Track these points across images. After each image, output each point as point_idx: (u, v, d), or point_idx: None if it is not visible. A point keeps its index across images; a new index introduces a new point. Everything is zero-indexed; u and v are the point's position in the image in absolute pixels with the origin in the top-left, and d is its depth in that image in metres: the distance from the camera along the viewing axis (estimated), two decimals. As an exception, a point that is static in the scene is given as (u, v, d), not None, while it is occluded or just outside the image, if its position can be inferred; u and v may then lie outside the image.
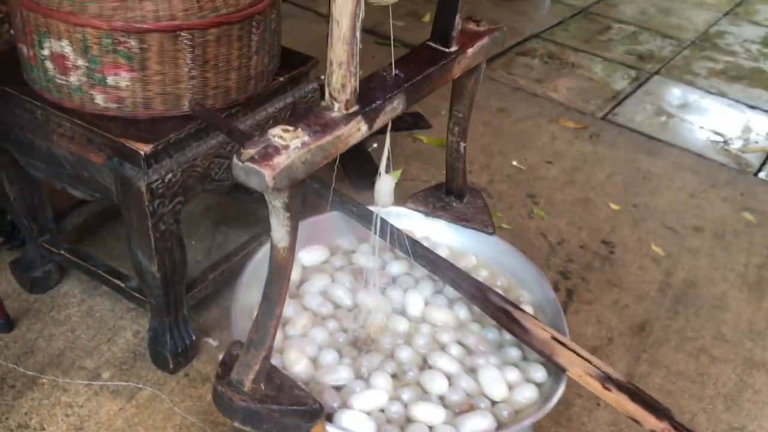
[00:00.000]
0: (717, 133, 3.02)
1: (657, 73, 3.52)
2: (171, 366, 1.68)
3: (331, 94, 0.93)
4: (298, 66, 1.70)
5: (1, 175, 1.69)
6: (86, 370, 1.70)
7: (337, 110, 0.94)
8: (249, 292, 1.27)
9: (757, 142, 2.99)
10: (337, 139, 0.92)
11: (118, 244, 2.08)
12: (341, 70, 0.89)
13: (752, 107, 3.28)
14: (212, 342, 1.79)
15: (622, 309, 2.03)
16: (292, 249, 0.90)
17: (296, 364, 1.15)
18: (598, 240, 2.29)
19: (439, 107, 2.78)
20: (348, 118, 0.94)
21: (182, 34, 1.35)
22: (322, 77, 1.81)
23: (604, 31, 3.95)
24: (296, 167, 0.86)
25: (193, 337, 1.72)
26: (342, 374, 1.17)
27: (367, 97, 0.98)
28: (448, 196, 1.44)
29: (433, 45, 1.16)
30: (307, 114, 0.94)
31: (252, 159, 0.83)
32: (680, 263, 2.24)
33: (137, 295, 1.69)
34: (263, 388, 1.00)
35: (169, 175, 1.42)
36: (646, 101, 3.22)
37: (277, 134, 0.86)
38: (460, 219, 1.43)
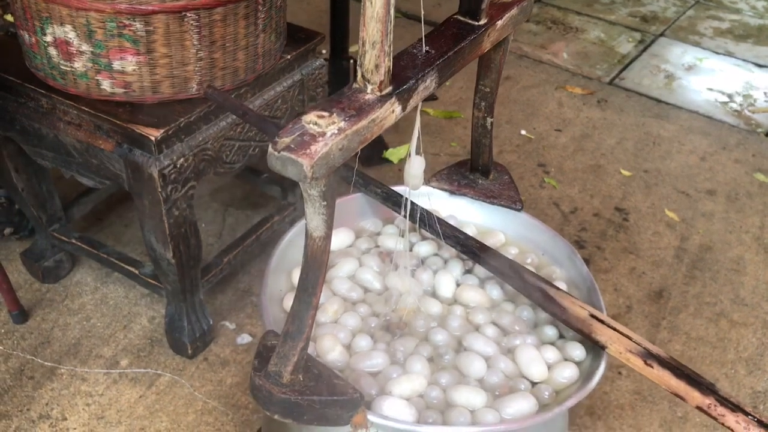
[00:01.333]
0: (725, 94, 2.98)
1: (662, 34, 3.47)
2: (189, 351, 1.67)
3: (364, 76, 0.90)
4: (304, 42, 1.66)
5: (8, 166, 1.66)
6: (104, 359, 1.69)
7: (371, 92, 0.90)
8: (277, 279, 1.25)
9: (766, 102, 2.95)
10: (373, 123, 0.89)
11: (127, 230, 2.06)
12: (374, 50, 0.86)
13: (760, 66, 3.23)
14: (229, 325, 1.78)
15: (639, 276, 2.02)
16: (328, 237, 0.88)
17: (330, 351, 1.13)
18: (611, 207, 2.27)
19: (444, 78, 2.73)
20: (382, 99, 0.90)
21: (188, 14, 1.31)
22: (324, 51, 1.76)
23: (607, -6, 3.88)
24: (333, 155, 0.83)
25: (210, 321, 1.71)
26: (377, 360, 1.15)
27: (399, 76, 0.94)
28: (473, 173, 1.40)
29: (461, 18, 1.12)
30: (339, 97, 0.90)
31: (288, 148, 0.80)
32: (695, 228, 2.22)
33: (152, 281, 1.67)
34: (302, 380, 0.98)
35: (181, 160, 1.40)
36: (652, 64, 3.18)
37: (312, 120, 0.83)
38: (487, 196, 1.40)
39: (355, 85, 0.91)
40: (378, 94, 0.90)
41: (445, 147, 2.49)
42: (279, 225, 1.90)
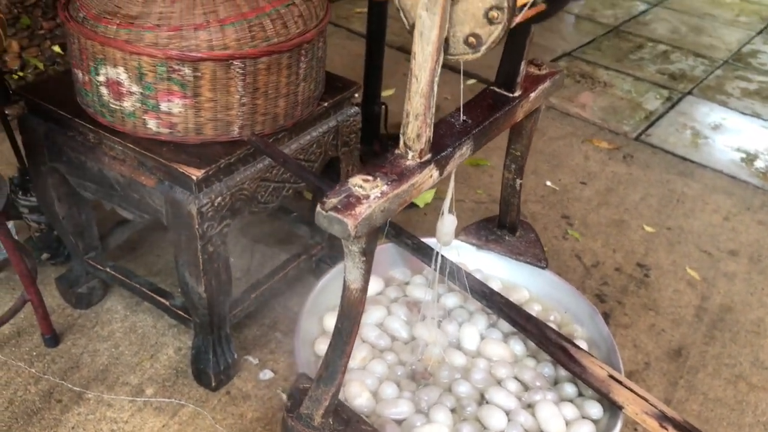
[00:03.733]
0: (751, 155, 3.00)
1: (690, 93, 3.51)
2: (213, 384, 1.71)
3: (406, 143, 0.96)
4: (341, 91, 1.73)
5: (51, 194, 1.73)
6: (130, 386, 1.73)
7: (411, 158, 0.97)
8: (310, 322, 1.30)
9: (792, 165, 2.97)
10: (412, 187, 0.94)
11: (158, 261, 2.13)
12: (417, 121, 0.92)
13: (787, 128, 3.26)
14: (252, 360, 1.82)
15: (659, 333, 2.03)
16: (364, 290, 0.93)
17: (357, 397, 1.17)
18: (633, 263, 2.29)
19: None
20: (422, 166, 0.96)
21: (234, 62, 1.39)
22: (357, 96, 1.83)
23: (636, 50, 3.95)
24: (375, 216, 0.89)
25: (235, 356, 1.75)
26: (403, 408, 1.18)
27: (438, 144, 1.01)
28: (500, 229, 1.45)
29: (497, 90, 1.18)
30: (382, 162, 0.96)
31: (335, 208, 0.86)
32: (716, 287, 2.23)
33: (181, 313, 1.73)
34: (332, 423, 1.02)
35: (219, 199, 1.46)
36: (679, 122, 3.22)
37: (358, 184, 0.89)
38: (513, 252, 1.44)
39: (397, 151, 0.97)
40: (418, 160, 0.96)
41: (471, 194, 2.54)
42: (306, 264, 1.95)
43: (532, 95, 1.21)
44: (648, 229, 2.46)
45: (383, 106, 2.58)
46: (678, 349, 1.99)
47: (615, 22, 4.30)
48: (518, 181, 1.38)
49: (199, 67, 1.37)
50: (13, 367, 1.75)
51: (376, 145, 2.53)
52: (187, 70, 1.37)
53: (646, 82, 3.57)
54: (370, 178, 0.90)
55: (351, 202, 0.87)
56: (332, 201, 0.86)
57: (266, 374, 1.78)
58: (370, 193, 0.88)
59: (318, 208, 0.87)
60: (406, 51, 3.56)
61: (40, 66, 3.09)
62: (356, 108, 1.80)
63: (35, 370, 1.74)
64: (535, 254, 1.42)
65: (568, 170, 2.74)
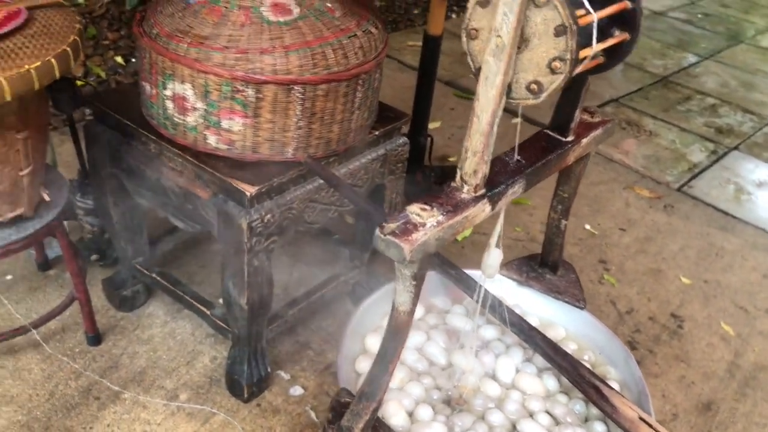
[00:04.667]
0: (795, 215, 2.98)
1: (736, 148, 3.51)
2: (245, 395, 1.76)
3: (462, 178, 1.02)
4: (392, 121, 1.79)
5: (108, 198, 1.81)
6: (165, 390, 1.78)
7: (467, 192, 1.02)
8: (353, 341, 1.34)
9: (836, 228, 2.94)
10: (465, 219, 0.99)
11: (200, 271, 2.19)
12: (475, 158, 0.97)
13: (833, 191, 3.22)
14: (284, 375, 1.86)
15: (689, 386, 2.02)
16: (412, 313, 0.98)
17: (394, 416, 1.21)
18: (667, 313, 2.29)
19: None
20: (476, 200, 1.01)
21: (295, 87, 1.45)
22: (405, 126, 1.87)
23: (684, 101, 3.95)
24: (430, 243, 0.94)
25: (268, 369, 1.79)
26: (437, 431, 1.22)
27: (492, 181, 1.06)
28: (542, 267, 1.49)
29: (550, 133, 1.24)
30: (439, 194, 1.01)
31: (393, 233, 0.91)
32: (750, 345, 2.22)
33: (220, 323, 1.78)
34: (370, 437, 1.06)
35: (268, 216, 1.51)
36: (723, 176, 3.21)
37: (416, 212, 0.94)
38: (552, 291, 1.48)
39: (453, 184, 1.02)
40: (473, 194, 1.01)
41: (509, 231, 2.56)
42: (343, 286, 2.00)
43: (584, 141, 1.25)
44: (684, 280, 2.46)
45: (429, 138, 2.63)
46: (707, 404, 1.98)
47: (664, 72, 4.31)
48: (563, 222, 1.42)
49: (261, 89, 1.44)
50: (56, 361, 1.81)
51: (419, 176, 2.58)
52: (250, 91, 1.44)
53: (692, 133, 3.58)
54: (427, 207, 0.95)
55: (408, 229, 0.92)
56: (391, 226, 0.91)
57: (296, 390, 1.82)
58: (427, 221, 0.93)
59: (377, 231, 0.92)
60: (454, 86, 3.62)
61: (102, 74, 3.22)
62: (405, 138, 1.85)
63: (77, 366, 1.81)
64: (575, 294, 1.45)
65: (608, 215, 2.75)
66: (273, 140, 1.51)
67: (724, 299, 2.40)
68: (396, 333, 0.98)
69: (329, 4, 1.55)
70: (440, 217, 0.96)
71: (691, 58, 4.62)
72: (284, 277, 2.20)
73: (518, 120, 1.14)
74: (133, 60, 3.35)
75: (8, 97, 1.32)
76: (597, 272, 2.43)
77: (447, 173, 2.88)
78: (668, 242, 2.66)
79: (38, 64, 1.37)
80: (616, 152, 3.25)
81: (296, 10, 1.50)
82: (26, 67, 1.35)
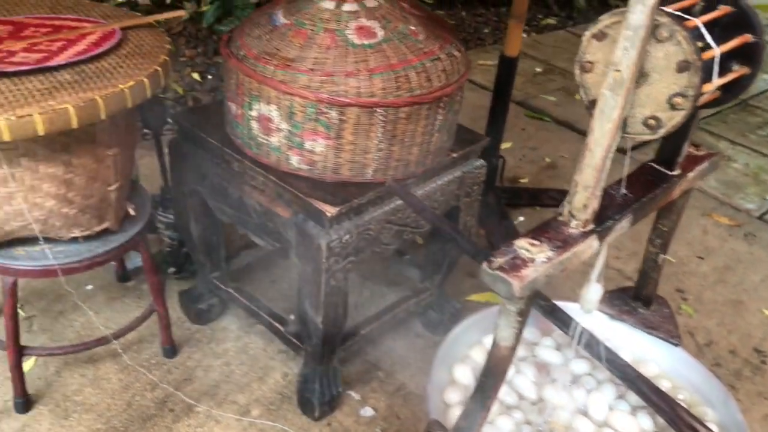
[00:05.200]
0: None
1: (820, 175, 3.36)
2: (317, 413, 1.76)
3: (571, 212, 1.00)
4: (470, 144, 1.78)
5: (189, 214, 1.85)
6: (237, 405, 1.80)
7: (575, 227, 1.00)
8: (442, 370, 1.33)
9: None
10: (574, 255, 0.98)
11: (272, 287, 2.21)
12: (586, 192, 0.95)
13: None
14: (355, 395, 1.86)
15: (773, 425, 1.94)
16: (513, 349, 0.96)
17: (485, 451, 1.19)
18: (749, 347, 2.20)
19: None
20: (585, 235, 1.00)
21: (378, 110, 1.46)
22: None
23: (765, 126, 3.82)
24: (539, 280, 0.93)
25: (339, 389, 1.80)
26: (529, 466, 1.19)
27: (600, 215, 1.05)
28: (635, 301, 1.46)
29: (656, 166, 1.21)
30: (546, 228, 1.00)
31: (501, 268, 0.90)
32: (839, 384, 2.11)
33: (293, 339, 1.79)
34: (462, 473, 1.04)
35: (347, 236, 1.52)
36: (807, 204, 3.08)
37: (524, 247, 0.93)
38: (646, 326, 1.44)
39: (560, 218, 1.01)
40: (582, 229, 1.00)
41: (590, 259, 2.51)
42: (414, 307, 1.99)
43: (690, 175, 1.23)
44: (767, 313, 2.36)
45: (501, 159, 2.61)
46: (793, 444, 1.89)
47: (744, 95, 4.17)
48: (661, 257, 1.39)
49: (345, 112, 1.45)
50: (133, 372, 1.86)
51: (491, 197, 2.55)
52: (333, 114, 1.45)
53: (774, 159, 3.45)
54: (536, 242, 0.94)
55: (517, 264, 0.91)
56: (499, 260, 0.90)
57: (367, 411, 1.82)
58: (536, 257, 0.92)
59: (484, 265, 0.91)
60: (525, 106, 3.59)
61: (180, 91, 3.31)
62: (482, 161, 1.84)
63: (153, 377, 1.84)
64: (669, 330, 1.41)
65: (685, 243, 2.67)
66: (354, 162, 1.52)
67: (809, 334, 2.29)
68: (495, 369, 0.97)
69: (413, 27, 1.56)
70: (550, 253, 0.94)
71: (772, 81, 4.46)
72: (354, 295, 2.20)
73: (627, 155, 1.12)
74: (209, 77, 3.44)
75: (103, 116, 1.37)
76: (674, 302, 2.35)
77: (519, 195, 2.85)
78: (749, 272, 2.56)
79: (132, 83, 1.42)
80: (692, 177, 3.15)
81: (381, 33, 1.51)
82: (120, 86, 1.40)
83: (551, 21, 4.98)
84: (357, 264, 1.57)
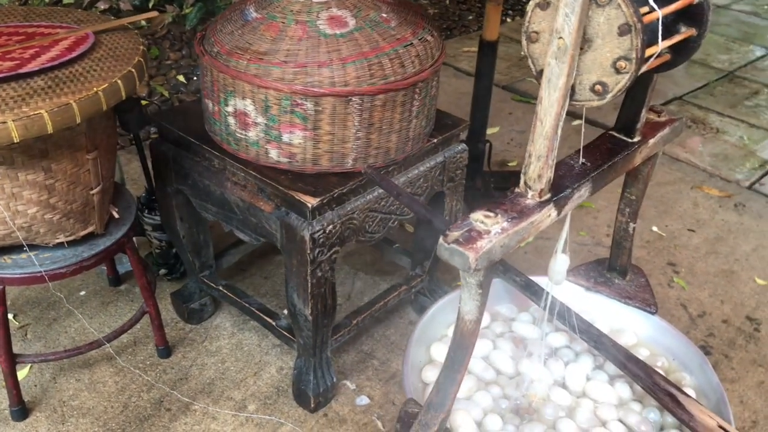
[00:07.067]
0: None
1: (810, 142, 3.36)
2: (312, 405, 1.77)
3: (526, 183, 1.00)
4: (450, 128, 1.78)
5: (174, 214, 1.86)
6: (234, 401, 1.81)
7: (531, 198, 1.00)
8: (418, 351, 1.34)
9: None
10: (531, 225, 0.98)
11: (264, 283, 2.22)
12: (539, 163, 0.96)
13: None
14: (350, 385, 1.87)
15: (768, 391, 1.95)
16: (478, 322, 0.97)
17: (462, 426, 1.20)
18: (742, 315, 2.21)
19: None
20: (541, 205, 1.00)
21: (353, 99, 1.46)
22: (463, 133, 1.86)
23: (752, 96, 3.82)
24: (495, 251, 0.93)
25: (334, 379, 1.80)
26: (506, 441, 1.20)
27: (557, 185, 1.05)
28: (610, 272, 1.46)
29: (616, 135, 1.21)
30: (503, 200, 1.00)
31: (457, 241, 0.90)
32: (833, 348, 2.11)
33: (286, 333, 1.80)
34: (438, 448, 1.05)
35: (330, 227, 1.53)
36: (797, 172, 3.08)
37: (479, 219, 0.94)
38: (622, 296, 1.44)
39: (517, 190, 1.01)
40: (538, 200, 1.00)
41: (573, 235, 2.52)
42: (405, 295, 2.00)
43: (651, 141, 1.22)
44: (759, 281, 2.37)
45: (487, 144, 2.61)
46: (789, 410, 1.89)
47: (730, 67, 4.17)
48: (632, 225, 1.39)
49: (320, 102, 1.45)
50: (129, 374, 1.87)
51: (478, 182, 2.56)
52: (309, 105, 1.46)
53: (762, 129, 3.45)
54: (491, 214, 0.94)
55: (473, 236, 0.91)
56: (455, 234, 0.90)
57: (363, 400, 1.83)
58: (491, 228, 0.92)
59: (441, 240, 0.91)
60: (511, 90, 3.59)
61: (166, 94, 3.31)
62: (464, 145, 1.84)
63: (149, 378, 1.85)
64: (645, 299, 1.41)
65: (676, 216, 2.68)
66: (332, 152, 1.52)
67: (802, 300, 2.30)
68: (463, 342, 0.97)
69: (385, 15, 1.56)
70: (505, 224, 0.94)
71: (758, 51, 4.45)
72: (346, 286, 2.21)
73: (581, 122, 1.12)
74: (195, 78, 3.44)
75: (78, 119, 1.37)
76: (666, 275, 2.36)
77: (507, 178, 2.85)
78: (740, 242, 2.56)
79: (106, 86, 1.42)
80: (682, 151, 3.16)
81: (352, 22, 1.51)
82: (94, 89, 1.40)
83: (535, 4, 4.96)
84: (343, 254, 1.58)
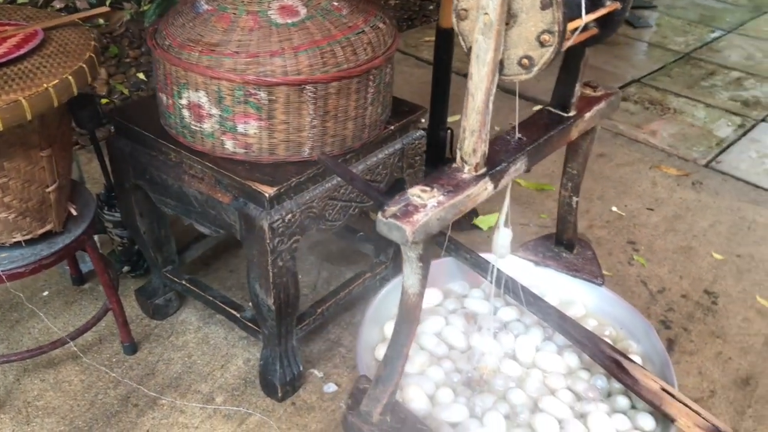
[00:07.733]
0: (829, 183, 2.92)
1: (764, 120, 3.44)
2: (279, 394, 1.78)
3: (462, 158, 1.02)
4: (407, 115, 1.79)
5: (134, 210, 1.85)
6: (201, 394, 1.82)
7: (467, 172, 1.02)
8: (371, 330, 1.35)
9: None
10: (467, 198, 1.00)
11: (230, 276, 2.22)
12: (473, 137, 0.98)
13: None
14: (317, 373, 1.88)
15: (726, 362, 2.00)
16: (421, 295, 0.99)
17: (414, 400, 1.22)
18: (700, 290, 2.26)
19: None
20: (477, 179, 1.02)
21: (307, 87, 1.47)
22: (423, 121, 1.89)
23: (708, 77, 3.89)
24: (432, 223, 0.95)
25: (300, 368, 1.82)
26: (457, 412, 1.23)
27: (493, 159, 1.07)
28: (557, 246, 1.49)
29: (552, 110, 1.24)
30: (440, 174, 1.02)
31: (394, 216, 0.92)
32: (788, 317, 2.17)
33: (251, 325, 1.80)
34: (389, 421, 1.07)
35: (289, 216, 1.53)
36: (751, 149, 3.16)
37: (416, 194, 0.95)
38: (570, 269, 1.47)
39: (454, 165, 1.03)
40: (473, 173, 1.02)
41: (534, 218, 2.55)
42: (371, 281, 2.01)
43: (587, 115, 1.25)
44: (717, 256, 2.42)
45: (449, 131, 2.63)
46: (746, 378, 1.95)
47: (686, 48, 4.25)
48: (575, 199, 1.41)
49: (273, 92, 1.46)
50: (95, 371, 1.86)
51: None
52: (262, 94, 1.46)
53: (718, 109, 3.52)
54: (427, 188, 0.96)
55: (409, 210, 0.93)
56: (392, 209, 0.92)
57: (330, 387, 1.84)
58: (428, 202, 0.94)
59: (379, 215, 0.93)
60: (473, 78, 3.62)
61: (126, 92, 3.28)
62: (421, 131, 1.86)
63: (115, 375, 1.85)
64: (592, 271, 1.44)
65: (635, 196, 2.73)
66: (288, 141, 1.53)
67: (758, 273, 2.36)
68: (408, 316, 0.99)
69: (336, 3, 1.57)
70: (441, 198, 0.96)
71: (714, 33, 4.54)
72: (312, 276, 2.22)
73: (516, 98, 1.15)
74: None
75: (29, 116, 1.37)
76: (626, 253, 2.41)
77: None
78: (698, 219, 2.62)
79: (56, 82, 1.41)
80: (640, 133, 3.22)
81: (303, 11, 1.52)
82: (44, 85, 1.39)
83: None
84: (307, 244, 1.59)
